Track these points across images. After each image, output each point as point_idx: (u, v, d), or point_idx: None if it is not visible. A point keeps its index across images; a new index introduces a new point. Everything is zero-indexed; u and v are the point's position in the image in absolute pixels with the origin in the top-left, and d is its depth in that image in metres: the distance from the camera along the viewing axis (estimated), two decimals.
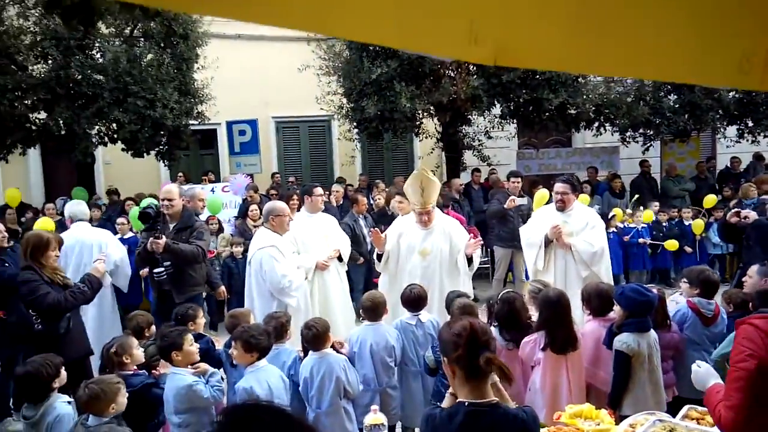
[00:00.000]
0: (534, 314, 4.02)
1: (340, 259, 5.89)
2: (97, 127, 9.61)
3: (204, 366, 3.60)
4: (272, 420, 0.85)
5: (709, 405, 2.15)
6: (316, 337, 3.69)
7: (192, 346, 3.60)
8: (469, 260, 5.13)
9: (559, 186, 5.51)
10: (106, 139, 9.83)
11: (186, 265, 5.10)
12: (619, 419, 3.47)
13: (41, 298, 4.03)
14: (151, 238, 4.93)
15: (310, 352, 3.74)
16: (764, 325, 1.92)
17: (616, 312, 3.82)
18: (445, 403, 2.14)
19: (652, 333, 3.75)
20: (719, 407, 1.98)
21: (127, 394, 3.22)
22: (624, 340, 3.62)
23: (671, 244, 8.87)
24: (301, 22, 1.15)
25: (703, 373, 2.55)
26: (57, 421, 3.19)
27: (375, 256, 5.46)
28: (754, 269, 4.29)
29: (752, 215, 5.01)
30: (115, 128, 9.57)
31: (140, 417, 3.48)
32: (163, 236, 4.95)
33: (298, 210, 6.22)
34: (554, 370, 3.56)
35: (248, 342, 3.48)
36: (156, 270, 5.07)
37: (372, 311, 4.10)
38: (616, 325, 3.76)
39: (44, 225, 6.66)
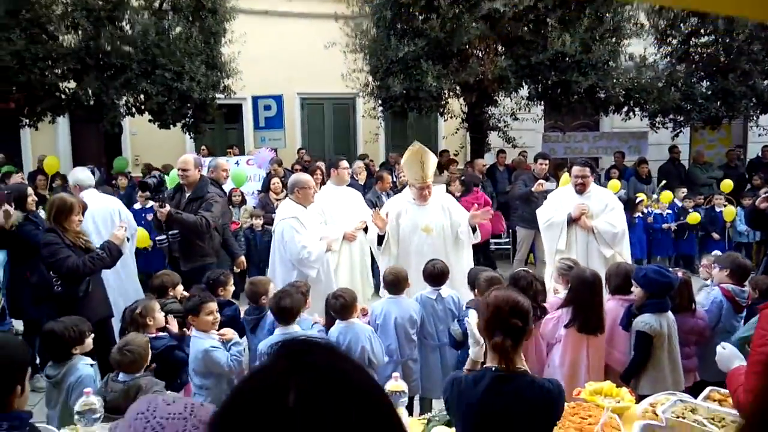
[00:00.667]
0: (562, 292, 4.03)
1: (365, 231, 5.93)
2: (125, 97, 9.71)
3: (230, 334, 3.65)
4: (330, 353, 0.85)
5: (731, 387, 2.13)
6: (344, 306, 3.72)
7: (209, 316, 3.62)
8: (473, 230, 5.10)
9: (578, 169, 5.53)
10: (134, 109, 9.94)
11: (191, 234, 5.15)
12: (637, 398, 3.48)
13: (61, 262, 4.08)
14: (155, 206, 5.02)
15: (337, 321, 3.77)
16: None
17: (636, 293, 3.80)
18: (468, 366, 2.15)
19: (670, 314, 3.73)
20: (739, 390, 1.95)
21: (151, 354, 3.29)
22: (646, 321, 3.61)
23: (693, 218, 8.72)
24: None
25: (728, 354, 2.52)
26: (78, 382, 3.25)
27: (375, 240, 5.36)
28: None
29: None
30: (143, 99, 9.67)
31: (163, 378, 3.55)
32: (168, 205, 5.03)
33: (323, 184, 6.28)
34: (575, 348, 3.56)
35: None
36: (158, 237, 5.17)
37: (394, 285, 4.12)
38: (636, 306, 3.75)
39: None
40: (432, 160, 5.11)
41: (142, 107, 9.80)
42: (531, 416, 2.03)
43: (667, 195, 9.14)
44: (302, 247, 4.89)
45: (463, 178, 8.57)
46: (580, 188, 5.51)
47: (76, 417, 2.68)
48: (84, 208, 4.52)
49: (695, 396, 3.22)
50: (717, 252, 5.22)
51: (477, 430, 2.00)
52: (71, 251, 4.12)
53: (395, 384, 2.76)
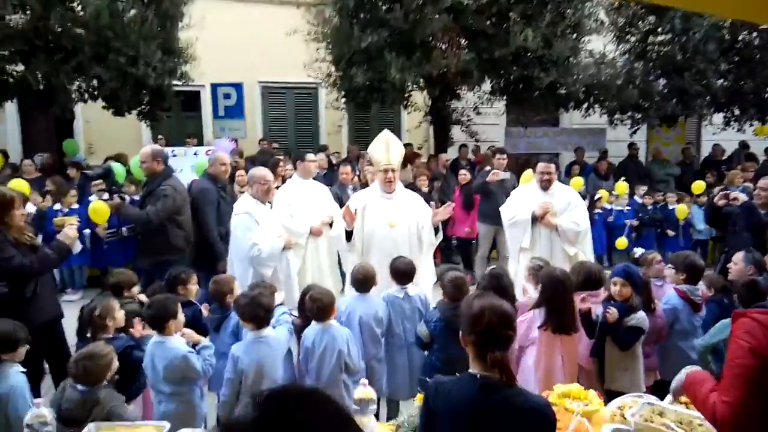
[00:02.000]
0: (532, 292, 4.03)
1: (332, 226, 5.84)
2: (77, 82, 9.29)
3: (198, 336, 3.51)
4: (320, 410, 0.78)
5: (696, 395, 2.10)
6: (320, 309, 3.60)
7: (182, 315, 3.50)
8: (435, 230, 5.05)
9: (543, 165, 5.57)
10: (86, 95, 9.52)
11: (143, 230, 4.95)
12: (605, 399, 3.51)
13: (5, 262, 3.80)
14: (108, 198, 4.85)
15: (313, 323, 3.65)
16: (766, 320, 1.85)
17: (614, 292, 3.82)
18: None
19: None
20: (713, 400, 1.92)
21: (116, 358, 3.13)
22: (642, 319, 3.70)
23: (620, 243, 8.86)
24: None
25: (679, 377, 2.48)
26: (11, 392, 3.06)
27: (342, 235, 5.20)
28: (739, 256, 4.31)
29: (741, 197, 5.00)
30: (96, 85, 9.26)
31: (121, 380, 3.39)
32: (117, 198, 4.83)
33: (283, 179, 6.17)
34: (549, 349, 3.54)
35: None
36: (108, 230, 4.99)
37: (362, 283, 4.04)
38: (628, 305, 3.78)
39: (18, 185, 6.39)
40: (397, 145, 5.02)
41: (95, 93, 9.39)
42: (518, 428, 1.97)
43: (621, 186, 9.28)
44: (252, 244, 4.76)
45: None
46: (545, 184, 5.54)
47: (25, 430, 2.51)
48: (26, 201, 4.25)
49: (659, 396, 3.25)
50: (640, 249, 5.31)
51: None
52: (15, 250, 3.85)
53: (364, 391, 2.68)
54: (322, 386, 3.56)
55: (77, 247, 4.24)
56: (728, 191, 5.24)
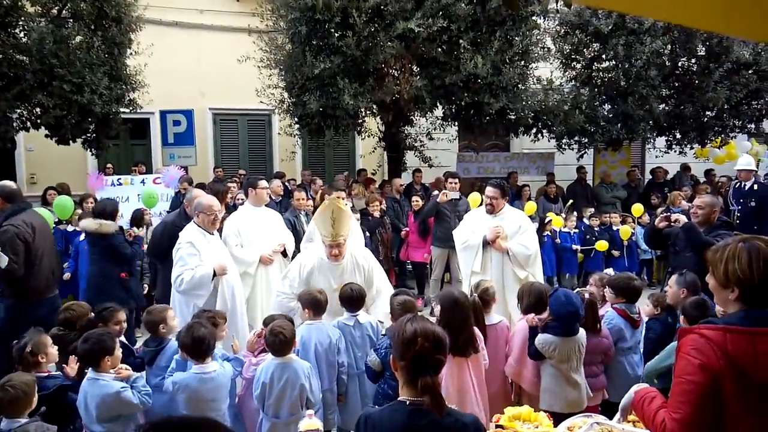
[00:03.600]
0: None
1: (284, 254, 5.86)
2: (18, 110, 8.99)
3: (128, 371, 3.37)
4: None
5: (645, 412, 2.10)
6: (282, 343, 3.47)
7: (119, 351, 3.37)
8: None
9: (489, 190, 5.70)
10: (29, 123, 9.21)
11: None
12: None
13: None
14: None
15: (272, 357, 3.52)
16: (715, 336, 1.86)
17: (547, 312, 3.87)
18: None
19: (579, 337, 3.83)
20: (663, 417, 1.93)
21: (37, 396, 2.97)
22: (544, 341, 3.77)
23: (601, 245, 9.13)
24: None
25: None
26: None
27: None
28: (673, 279, 4.42)
29: (682, 219, 5.13)
30: (39, 113, 8.98)
31: (56, 422, 3.20)
32: None
33: (232, 206, 6.07)
34: (459, 372, 3.52)
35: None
36: None
37: (314, 308, 3.96)
38: (542, 324, 3.85)
39: None
40: (345, 216, 4.60)
41: (38, 121, 9.10)
42: None
43: (557, 221, 9.44)
44: (176, 276, 4.60)
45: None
46: (489, 209, 5.68)
47: None
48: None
49: (605, 414, 3.28)
50: (609, 271, 5.39)
51: None
52: None
53: (309, 422, 2.61)
54: (282, 424, 3.44)
55: (3, 261, 4.05)
56: (669, 213, 5.38)
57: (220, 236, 5.32)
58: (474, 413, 3.29)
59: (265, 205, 6.18)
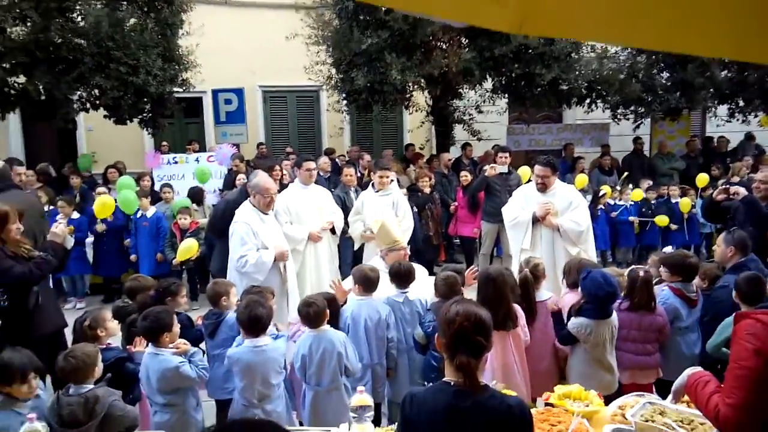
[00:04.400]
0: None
1: (333, 232, 5.94)
2: (78, 92, 9.34)
3: (186, 345, 3.51)
4: None
5: (697, 396, 2.07)
6: (316, 314, 3.58)
7: (177, 327, 3.51)
8: None
9: (538, 169, 5.55)
10: (88, 105, 9.57)
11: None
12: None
13: (5, 272, 3.78)
14: None
15: (308, 329, 3.64)
16: None
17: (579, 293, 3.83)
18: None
19: (613, 319, 3.76)
20: (716, 401, 1.90)
21: (102, 366, 3.13)
22: (579, 324, 3.70)
23: (661, 220, 8.85)
24: None
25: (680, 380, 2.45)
26: None
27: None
28: (721, 238, 4.30)
29: (742, 191, 4.93)
30: (97, 94, 9.32)
31: None
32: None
33: (283, 181, 6.20)
34: (502, 348, 3.51)
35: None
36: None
37: (365, 283, 4.02)
38: (575, 308, 3.79)
39: None
40: (394, 227, 5.06)
41: (97, 102, 9.44)
42: (497, 429, 1.96)
43: (637, 193, 9.21)
44: (240, 257, 4.74)
45: None
46: (541, 187, 5.55)
47: None
48: (21, 215, 4.21)
49: (659, 392, 3.23)
50: (668, 249, 5.20)
51: None
52: (13, 261, 3.84)
53: (360, 398, 2.66)
54: (324, 391, 3.55)
55: (70, 242, 4.22)
56: (728, 186, 5.17)
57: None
58: (518, 387, 3.32)
59: (315, 182, 6.25)
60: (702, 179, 9.33)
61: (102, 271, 7.79)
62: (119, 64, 8.71)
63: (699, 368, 2.33)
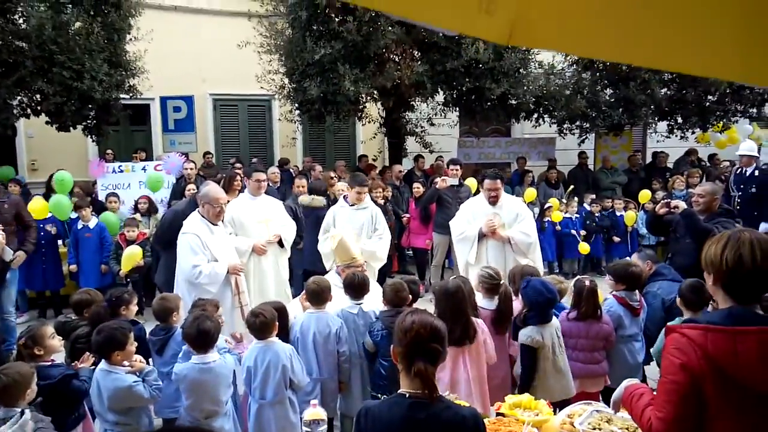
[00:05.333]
0: (482, 301, 4.11)
1: (281, 244, 5.81)
2: (18, 97, 8.97)
3: (141, 364, 3.41)
4: None
5: (632, 407, 2.12)
6: (264, 324, 3.54)
7: (132, 346, 3.40)
8: None
9: (489, 183, 5.65)
10: (29, 110, 9.20)
11: None
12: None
13: None
14: None
15: (255, 341, 3.59)
16: (697, 336, 1.84)
17: (520, 303, 3.92)
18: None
19: (554, 323, 3.87)
20: (649, 415, 1.95)
21: (35, 385, 3.00)
22: (528, 334, 3.75)
23: (583, 249, 9.13)
24: None
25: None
26: None
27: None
28: (635, 258, 4.68)
29: (682, 205, 5.13)
30: (39, 99, 8.97)
31: (59, 410, 3.24)
32: None
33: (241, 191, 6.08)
34: (453, 363, 3.50)
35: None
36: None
37: (317, 296, 3.99)
38: (519, 319, 3.87)
39: None
40: (353, 245, 5.00)
41: (38, 108, 9.08)
42: None
43: (644, 194, 9.50)
44: (193, 266, 4.64)
45: None
46: (493, 200, 5.69)
47: None
48: None
49: (606, 401, 3.32)
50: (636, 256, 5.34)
51: None
52: None
53: (314, 412, 2.64)
54: (267, 404, 3.51)
55: (8, 254, 4.06)
56: (669, 200, 5.38)
57: None
58: (470, 401, 3.34)
59: (267, 193, 6.17)
60: (644, 195, 9.70)
61: (36, 285, 7.40)
62: (63, 69, 8.43)
63: (635, 380, 2.37)
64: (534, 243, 5.55)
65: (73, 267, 7.23)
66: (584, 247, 9.06)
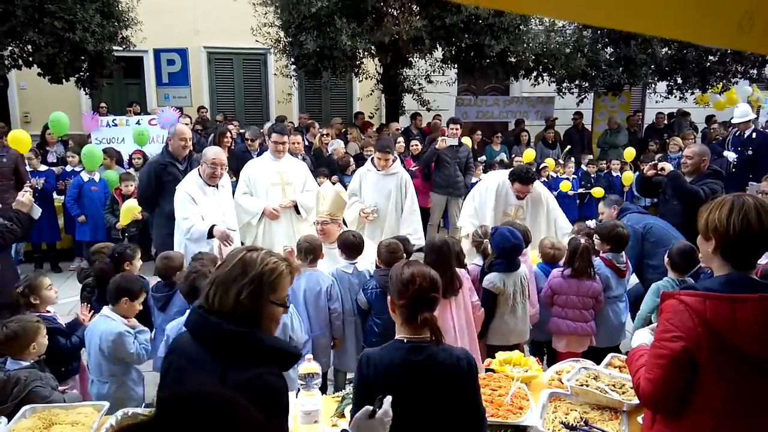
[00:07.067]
0: (474, 259, 4.24)
1: (297, 211, 5.52)
2: (9, 48, 8.81)
3: (134, 321, 3.45)
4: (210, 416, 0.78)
5: (630, 366, 2.16)
6: None
7: (140, 305, 3.47)
8: None
9: (520, 187, 5.34)
10: (20, 61, 9.05)
11: None
12: (485, 349, 3.94)
13: None
14: None
15: None
16: (694, 303, 1.83)
17: (490, 251, 4.07)
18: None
19: (521, 271, 4.02)
20: (640, 374, 1.99)
21: (45, 339, 3.05)
22: (491, 279, 3.98)
23: (597, 192, 9.15)
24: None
25: (638, 336, 2.55)
26: None
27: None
28: (601, 206, 4.99)
29: (668, 167, 5.10)
30: (30, 50, 8.82)
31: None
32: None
33: (231, 149, 5.98)
34: (441, 315, 3.55)
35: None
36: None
37: (309, 253, 4.01)
38: (486, 264, 4.05)
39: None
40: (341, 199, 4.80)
41: (30, 59, 8.94)
42: (445, 381, 2.07)
43: (566, 165, 9.47)
44: (183, 218, 4.60)
45: None
46: (520, 198, 5.45)
47: None
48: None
49: (594, 359, 3.39)
50: (590, 222, 5.32)
51: (397, 403, 2.00)
52: None
53: (308, 366, 2.70)
54: None
55: (37, 212, 4.06)
56: (656, 162, 5.34)
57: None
58: None
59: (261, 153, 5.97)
60: (629, 153, 9.66)
61: (32, 238, 7.35)
62: (54, 19, 8.26)
63: (645, 340, 2.35)
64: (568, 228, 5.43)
65: (82, 218, 7.21)
66: (598, 191, 9.05)
